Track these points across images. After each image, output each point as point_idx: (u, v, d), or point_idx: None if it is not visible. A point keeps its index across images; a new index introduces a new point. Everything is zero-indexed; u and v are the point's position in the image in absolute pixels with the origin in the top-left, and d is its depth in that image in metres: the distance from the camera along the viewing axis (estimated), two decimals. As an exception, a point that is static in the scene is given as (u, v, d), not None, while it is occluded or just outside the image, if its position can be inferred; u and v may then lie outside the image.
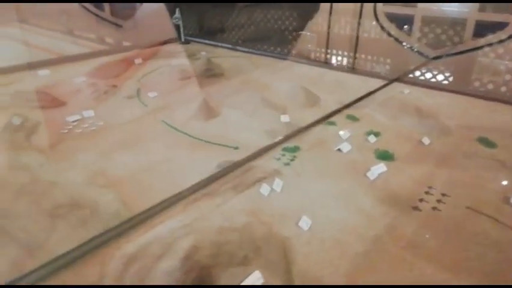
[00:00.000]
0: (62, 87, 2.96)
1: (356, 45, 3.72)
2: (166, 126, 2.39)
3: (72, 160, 1.96)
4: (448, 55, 3.30)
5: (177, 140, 2.22)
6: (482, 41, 3.11)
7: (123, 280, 1.23)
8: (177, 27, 4.45)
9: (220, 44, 4.38)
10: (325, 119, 2.47)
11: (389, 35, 3.57)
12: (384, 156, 2.02)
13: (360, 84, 3.13)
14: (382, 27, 3.60)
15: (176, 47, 4.35)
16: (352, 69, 3.58)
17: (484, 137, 2.22)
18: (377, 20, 3.64)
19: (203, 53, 4.04)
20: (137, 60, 3.70)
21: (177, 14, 4.28)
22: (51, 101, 2.70)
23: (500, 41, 3.02)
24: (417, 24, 3.40)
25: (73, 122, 2.40)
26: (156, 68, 3.50)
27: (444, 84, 3.19)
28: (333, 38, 3.86)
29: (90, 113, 2.51)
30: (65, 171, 1.84)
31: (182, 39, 4.48)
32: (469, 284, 1.25)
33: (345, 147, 2.09)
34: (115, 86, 3.04)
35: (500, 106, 2.70)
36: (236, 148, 2.12)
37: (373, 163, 1.93)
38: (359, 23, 3.64)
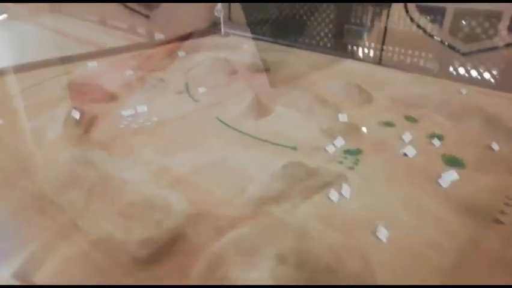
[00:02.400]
0: (112, 80, 2.96)
1: (384, 38, 3.52)
2: (220, 123, 2.36)
3: (134, 157, 1.96)
4: (480, 50, 3.11)
5: (233, 137, 2.20)
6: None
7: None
8: (218, 19, 4.40)
9: (260, 37, 4.31)
10: (382, 119, 2.40)
11: (419, 27, 3.36)
12: (453, 162, 1.94)
13: (410, 81, 3.02)
14: (412, 19, 3.42)
15: (217, 40, 4.30)
16: (399, 64, 3.45)
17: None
18: (407, 11, 3.47)
19: (245, 46, 3.98)
20: (181, 53, 3.68)
21: (219, 6, 4.23)
22: (104, 94, 2.71)
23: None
24: (449, 16, 3.20)
25: (128, 116, 2.40)
26: (201, 62, 3.47)
27: (501, 84, 3.03)
28: (375, 32, 3.71)
29: (143, 108, 2.51)
30: (130, 169, 1.84)
31: (223, 32, 4.43)
32: None
33: (411, 151, 2.01)
34: (162, 80, 3.03)
35: None
36: (294, 148, 2.07)
37: (442, 169, 1.85)
38: (387, 16, 3.45)
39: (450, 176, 1.79)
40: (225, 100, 2.67)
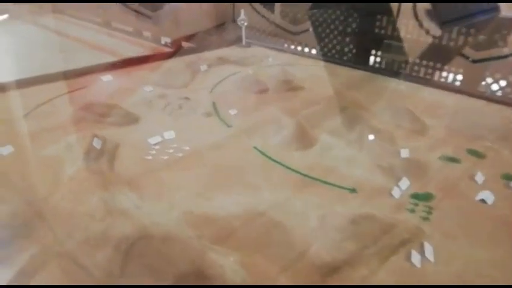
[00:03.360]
0: (131, 98, 2.68)
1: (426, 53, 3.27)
2: (259, 154, 2.08)
3: (169, 199, 1.67)
4: (492, 58, 2.84)
5: (278, 173, 1.91)
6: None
7: None
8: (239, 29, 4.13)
9: (284, 48, 4.04)
10: (443, 153, 2.12)
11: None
12: (544, 212, 1.66)
13: (461, 105, 2.75)
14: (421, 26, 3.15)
15: (238, 51, 4.03)
16: (448, 85, 3.18)
17: None
18: (416, 18, 3.20)
19: (270, 59, 3.71)
20: (203, 67, 3.40)
21: (242, 15, 3.95)
22: (124, 116, 2.42)
23: None
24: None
25: (155, 145, 2.12)
26: (225, 77, 3.19)
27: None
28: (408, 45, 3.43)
29: (171, 134, 2.22)
30: (167, 216, 1.55)
31: (244, 43, 4.15)
32: None
33: (489, 197, 1.73)
34: (187, 99, 2.75)
35: None
36: (353, 191, 1.79)
37: (532, 222, 1.58)
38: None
39: (548, 234, 1.51)
40: (261, 126, 2.38)
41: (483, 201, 1.73)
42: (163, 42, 4.12)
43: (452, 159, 2.07)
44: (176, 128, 2.29)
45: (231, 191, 1.75)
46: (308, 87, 3.00)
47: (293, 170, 1.93)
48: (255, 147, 2.13)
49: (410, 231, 1.52)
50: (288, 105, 2.65)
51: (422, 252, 1.42)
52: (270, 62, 3.65)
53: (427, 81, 3.16)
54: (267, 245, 1.45)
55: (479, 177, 1.88)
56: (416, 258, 1.39)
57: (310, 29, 3.81)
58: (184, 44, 4.12)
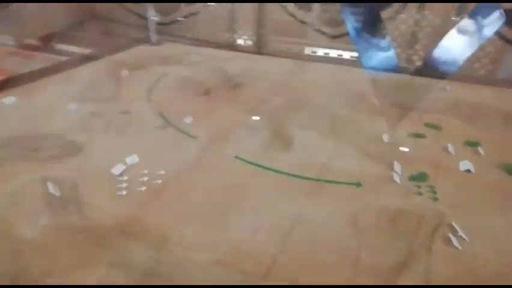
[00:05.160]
0: (58, 122, 2.18)
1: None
2: (245, 163, 1.89)
3: (183, 241, 1.38)
4: None
5: (276, 181, 1.76)
6: None
7: None
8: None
9: (197, 41, 3.78)
10: (406, 130, 2.23)
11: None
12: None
13: (393, 80, 2.96)
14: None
15: (152, 50, 3.63)
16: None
17: None
18: None
19: (194, 56, 3.43)
20: (124, 72, 2.96)
21: (152, 11, 3.56)
22: (62, 146, 1.95)
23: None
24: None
25: (120, 175, 1.75)
26: (155, 81, 2.84)
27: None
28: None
29: (134, 158, 1.87)
30: (196, 263, 1.28)
31: (153, 40, 3.76)
32: None
33: (470, 166, 1.88)
34: (127, 112, 2.35)
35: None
36: (359, 184, 1.75)
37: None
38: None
39: (533, 190, 1.71)
40: (227, 130, 2.17)
41: (468, 171, 1.87)
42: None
43: (418, 135, 2.19)
44: (134, 149, 1.93)
45: (244, 215, 1.54)
46: (248, 81, 2.86)
47: (291, 175, 1.81)
48: (236, 157, 1.93)
49: (435, 216, 1.55)
50: (240, 105, 2.48)
51: (454, 233, 1.46)
52: (195, 58, 3.37)
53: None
54: (316, 265, 1.32)
55: (451, 149, 2.04)
56: (455, 241, 1.42)
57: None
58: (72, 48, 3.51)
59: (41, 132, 2.07)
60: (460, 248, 1.40)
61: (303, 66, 3.27)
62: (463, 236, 1.45)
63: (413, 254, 1.36)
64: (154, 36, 3.74)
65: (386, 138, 2.09)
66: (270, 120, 2.28)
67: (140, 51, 3.59)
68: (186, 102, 2.55)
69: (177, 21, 3.87)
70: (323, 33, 3.45)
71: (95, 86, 2.70)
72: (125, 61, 3.24)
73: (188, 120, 2.27)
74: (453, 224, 1.49)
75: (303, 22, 3.49)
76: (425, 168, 1.88)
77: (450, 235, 1.44)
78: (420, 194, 1.70)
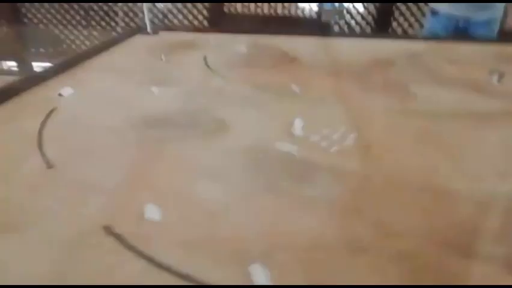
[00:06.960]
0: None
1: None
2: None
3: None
4: None
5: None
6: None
7: None
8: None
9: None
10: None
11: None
12: None
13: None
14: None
15: (149, 40, 3.22)
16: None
17: None
18: None
19: (211, 41, 3.18)
20: (162, 58, 2.60)
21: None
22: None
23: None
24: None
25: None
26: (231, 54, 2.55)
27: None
28: None
29: (299, 122, 1.69)
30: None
31: (149, 30, 3.37)
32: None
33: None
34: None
35: None
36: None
37: None
38: None
39: None
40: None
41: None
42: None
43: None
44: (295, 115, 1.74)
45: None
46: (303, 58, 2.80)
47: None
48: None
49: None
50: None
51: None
52: (214, 43, 3.13)
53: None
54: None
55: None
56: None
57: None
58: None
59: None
60: None
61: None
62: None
63: None
64: (149, 26, 3.35)
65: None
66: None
67: (146, 39, 3.18)
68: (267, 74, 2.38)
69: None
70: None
71: (151, 70, 2.32)
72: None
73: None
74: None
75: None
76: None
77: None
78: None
